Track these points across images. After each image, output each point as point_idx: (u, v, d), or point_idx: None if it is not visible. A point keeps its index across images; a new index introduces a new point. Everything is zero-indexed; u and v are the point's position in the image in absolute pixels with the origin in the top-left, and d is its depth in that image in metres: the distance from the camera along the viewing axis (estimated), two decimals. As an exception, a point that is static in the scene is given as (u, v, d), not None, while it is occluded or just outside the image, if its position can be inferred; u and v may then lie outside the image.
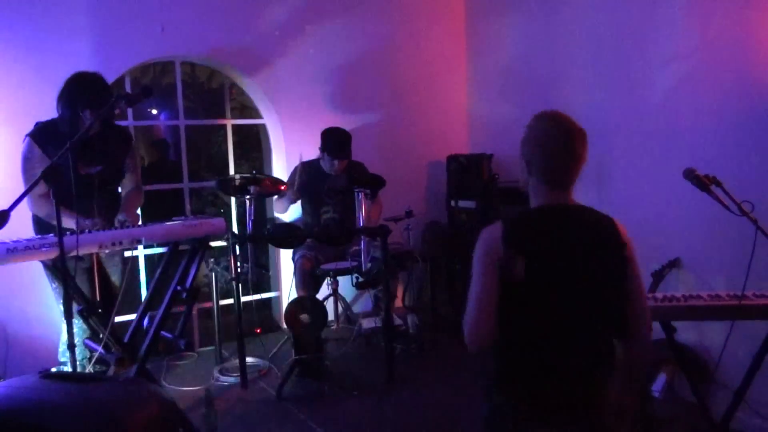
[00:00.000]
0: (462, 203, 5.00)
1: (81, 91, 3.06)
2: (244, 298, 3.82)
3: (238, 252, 3.67)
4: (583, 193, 4.35)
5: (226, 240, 3.63)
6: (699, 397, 2.75)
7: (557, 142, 1.84)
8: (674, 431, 3.26)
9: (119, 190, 3.42)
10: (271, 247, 4.84)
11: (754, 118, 3.32)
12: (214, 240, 3.34)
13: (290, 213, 4.56)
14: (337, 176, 4.36)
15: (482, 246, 1.78)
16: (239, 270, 3.64)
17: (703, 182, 2.49)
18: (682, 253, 3.69)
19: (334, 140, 4.27)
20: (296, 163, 4.38)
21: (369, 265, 3.83)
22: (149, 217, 4.08)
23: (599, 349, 1.84)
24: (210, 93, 6.45)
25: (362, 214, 3.82)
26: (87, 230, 2.77)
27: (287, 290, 4.59)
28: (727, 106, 3.44)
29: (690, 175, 2.54)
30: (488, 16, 5.24)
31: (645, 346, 1.93)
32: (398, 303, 4.57)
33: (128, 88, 4.25)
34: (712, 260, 3.51)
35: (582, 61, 4.37)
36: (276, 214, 4.57)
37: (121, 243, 2.81)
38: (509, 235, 1.75)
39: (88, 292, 3.04)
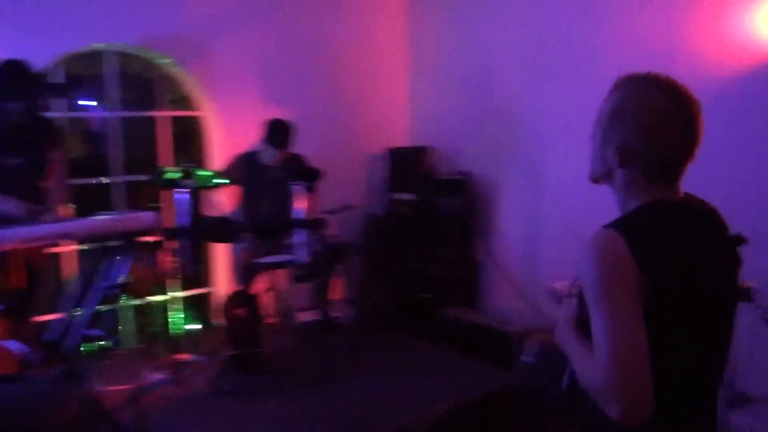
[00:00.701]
0: (401, 196, 5.04)
1: (4, 80, 2.95)
2: (177, 294, 3.77)
3: (172, 247, 3.61)
4: (519, 186, 4.50)
5: (159, 235, 3.56)
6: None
7: (682, 122, 1.30)
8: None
9: (45, 184, 3.31)
10: (206, 242, 4.77)
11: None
12: (145, 235, 3.27)
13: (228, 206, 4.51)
14: (274, 168, 4.32)
15: (607, 265, 1.21)
16: (174, 265, 3.58)
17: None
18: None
19: (277, 130, 4.24)
20: (234, 153, 4.34)
21: (307, 258, 3.82)
22: (83, 212, 3.96)
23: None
24: (146, 84, 6.30)
25: (299, 206, 3.81)
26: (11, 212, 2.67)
27: (223, 285, 4.55)
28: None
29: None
30: (429, 8, 5.29)
31: None
32: (336, 296, 4.58)
33: (59, 79, 4.10)
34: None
35: (520, 55, 4.46)
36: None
37: (47, 238, 2.73)
38: (639, 249, 1.21)
39: (10, 290, 2.94)
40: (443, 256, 4.75)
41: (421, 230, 4.92)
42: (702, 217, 1.37)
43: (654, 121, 1.29)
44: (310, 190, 4.20)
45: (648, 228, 1.27)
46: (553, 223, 4.29)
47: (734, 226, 3.05)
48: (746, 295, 2.47)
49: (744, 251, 3.05)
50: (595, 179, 1.46)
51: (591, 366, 1.20)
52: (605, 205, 3.86)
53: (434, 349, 4.08)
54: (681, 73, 3.52)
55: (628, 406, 1.13)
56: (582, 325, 1.30)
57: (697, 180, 3.39)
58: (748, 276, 2.62)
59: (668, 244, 1.25)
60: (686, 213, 1.34)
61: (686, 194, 1.38)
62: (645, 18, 3.61)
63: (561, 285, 2.84)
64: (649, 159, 1.30)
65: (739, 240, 1.42)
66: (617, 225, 1.27)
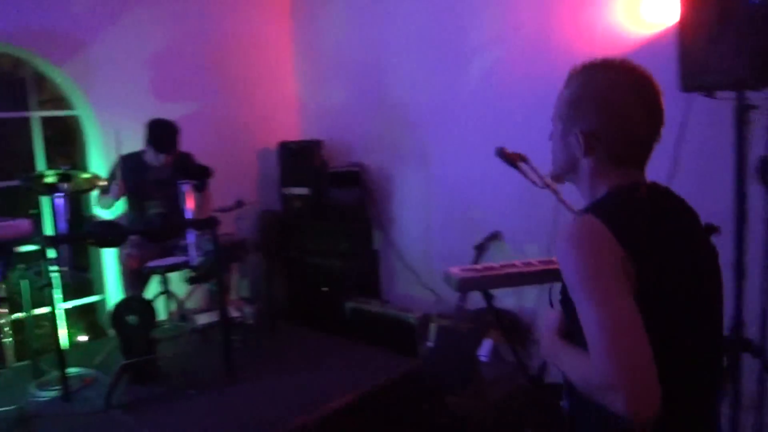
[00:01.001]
0: (295, 190, 4.99)
1: None
2: (64, 305, 3.53)
3: (51, 255, 3.37)
4: (411, 174, 4.57)
5: (36, 243, 3.32)
6: (517, 357, 2.96)
7: (645, 101, 1.29)
8: (501, 390, 3.51)
9: None
10: (92, 248, 4.51)
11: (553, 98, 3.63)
12: (20, 244, 3.04)
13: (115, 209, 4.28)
14: (161, 168, 4.15)
15: (592, 251, 1.15)
16: (53, 275, 3.34)
17: (510, 159, 2.68)
18: (501, 226, 3.96)
19: (160, 133, 4.04)
20: (116, 156, 4.11)
21: (200, 259, 3.70)
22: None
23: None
24: (13, 84, 5.87)
25: (188, 206, 3.67)
26: None
27: (113, 292, 4.33)
28: (534, 87, 3.73)
29: (500, 153, 2.71)
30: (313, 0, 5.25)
31: None
32: (235, 295, 4.47)
33: None
34: (527, 231, 3.80)
35: (406, 47, 4.52)
36: (101, 210, 4.26)
37: None
38: (621, 230, 1.16)
39: None
40: (342, 249, 4.75)
41: (318, 224, 4.89)
42: (675, 202, 1.34)
43: (617, 102, 1.27)
44: (200, 188, 4.08)
45: (625, 210, 1.22)
46: (444, 211, 4.40)
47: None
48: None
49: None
50: (558, 176, 1.42)
51: (587, 365, 1.09)
52: (491, 192, 4.02)
53: (338, 342, 4.07)
54: (556, 65, 3.70)
55: (635, 396, 1.03)
56: (569, 333, 1.26)
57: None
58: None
59: (649, 225, 1.21)
60: (660, 196, 1.31)
61: (652, 181, 1.34)
62: (521, 10, 3.75)
63: (455, 270, 2.91)
64: (615, 141, 1.28)
65: (711, 229, 1.39)
66: (592, 210, 1.22)
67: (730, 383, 2.62)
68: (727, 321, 2.67)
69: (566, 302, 1.21)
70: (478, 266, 2.85)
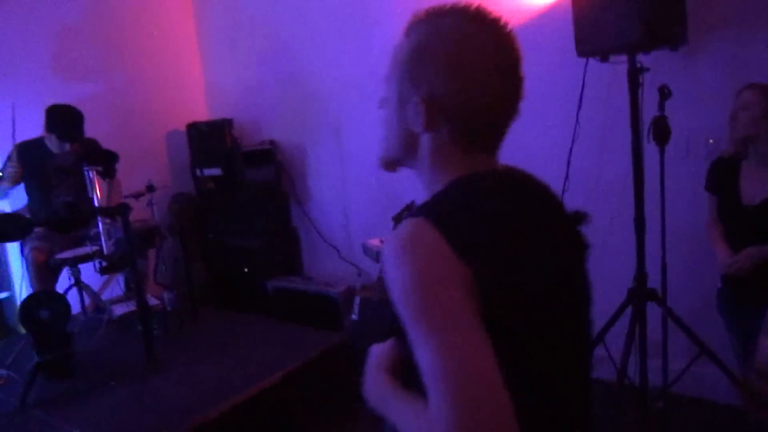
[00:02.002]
0: (207, 171, 4.89)
1: None
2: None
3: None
4: (325, 149, 4.56)
5: (-70, 242, 3.12)
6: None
7: (504, 64, 1.02)
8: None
9: None
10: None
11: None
12: None
13: (14, 200, 4.06)
14: (64, 155, 3.95)
15: (423, 269, 0.85)
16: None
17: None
18: (416, 196, 4.03)
19: (60, 120, 3.83)
20: (8, 144, 3.90)
21: (112, 247, 3.58)
22: None
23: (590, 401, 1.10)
24: None
25: (96, 193, 3.54)
26: None
27: (21, 288, 4.13)
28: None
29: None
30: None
31: None
32: (152, 282, 4.36)
33: None
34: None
35: (314, 21, 4.47)
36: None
37: None
38: (461, 239, 0.87)
39: None
40: (259, 228, 4.70)
41: (233, 204, 4.82)
42: (536, 194, 1.07)
43: (470, 59, 0.97)
44: (108, 175, 3.92)
45: (467, 208, 0.92)
46: (360, 184, 4.43)
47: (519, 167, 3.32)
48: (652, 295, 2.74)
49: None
50: (390, 161, 1.11)
51: (425, 420, 0.80)
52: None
53: (262, 323, 4.06)
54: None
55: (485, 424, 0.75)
56: (407, 369, 0.92)
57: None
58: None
59: (498, 230, 0.91)
60: (516, 187, 1.05)
61: (507, 166, 1.08)
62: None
63: (373, 242, 2.97)
64: (464, 113, 0.98)
65: (580, 217, 1.10)
66: (426, 211, 0.92)
67: (636, 332, 2.81)
68: (631, 272, 2.87)
69: (400, 330, 0.87)
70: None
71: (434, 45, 0.99)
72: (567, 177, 3.32)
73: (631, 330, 2.81)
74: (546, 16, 3.41)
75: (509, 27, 1.02)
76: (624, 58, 2.82)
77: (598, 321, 3.15)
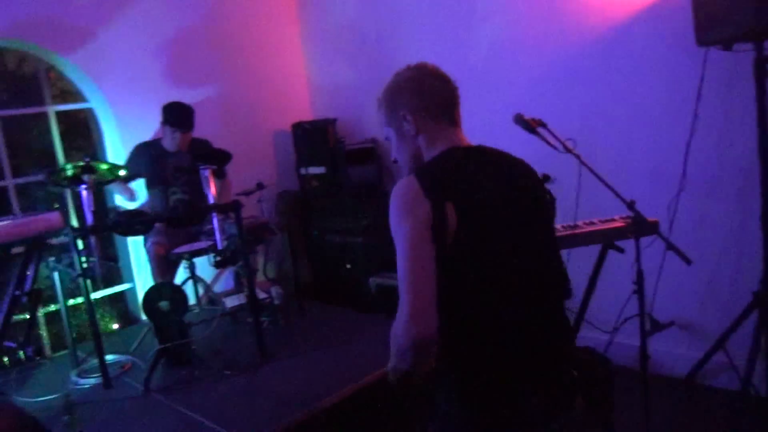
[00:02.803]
0: (311, 169, 5.01)
1: None
2: (95, 294, 3.60)
3: (81, 246, 3.43)
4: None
5: (66, 235, 3.38)
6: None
7: (443, 81, 1.68)
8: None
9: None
10: (118, 237, 4.58)
11: (569, 62, 3.62)
12: (51, 237, 3.10)
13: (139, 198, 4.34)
14: (180, 155, 4.19)
15: (401, 206, 1.42)
16: (85, 265, 3.40)
17: (529, 125, 2.69)
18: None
19: (176, 112, 4.11)
20: (133, 144, 4.16)
21: (225, 242, 3.74)
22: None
23: (561, 317, 1.58)
24: (24, 80, 5.89)
25: (211, 191, 3.71)
26: None
27: (142, 280, 4.39)
28: (548, 53, 3.71)
29: (519, 119, 2.72)
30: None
31: None
32: (260, 276, 4.52)
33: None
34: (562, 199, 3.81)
35: (414, 18, 4.49)
36: (123, 204, 4.31)
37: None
38: (430, 184, 1.42)
39: None
40: (362, 225, 4.78)
41: (337, 202, 4.92)
42: (496, 158, 1.62)
43: (422, 81, 1.63)
44: (221, 173, 4.11)
45: (436, 166, 1.53)
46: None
47: (633, 165, 3.24)
48: (653, 228, 2.65)
49: (649, 188, 3.24)
50: (412, 169, 1.63)
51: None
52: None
53: (365, 318, 4.12)
54: (570, 19, 3.66)
55: (417, 319, 1.30)
56: None
57: (595, 122, 3.54)
58: (654, 211, 2.82)
59: (453, 175, 1.48)
60: (477, 154, 1.59)
61: (482, 145, 1.63)
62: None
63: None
64: (441, 106, 1.61)
65: (545, 179, 1.73)
66: (416, 172, 1.48)
67: (762, 338, 2.65)
68: (756, 274, 2.70)
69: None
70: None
71: (401, 84, 1.66)
72: (684, 174, 3.16)
73: (756, 336, 2.65)
74: (657, 6, 3.27)
75: (438, 70, 1.68)
76: (749, 46, 2.66)
77: (717, 327, 2.99)
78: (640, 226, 2.58)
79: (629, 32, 3.38)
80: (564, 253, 2.80)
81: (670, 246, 2.58)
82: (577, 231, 2.72)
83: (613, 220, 2.79)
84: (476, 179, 1.50)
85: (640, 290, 2.62)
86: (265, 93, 5.20)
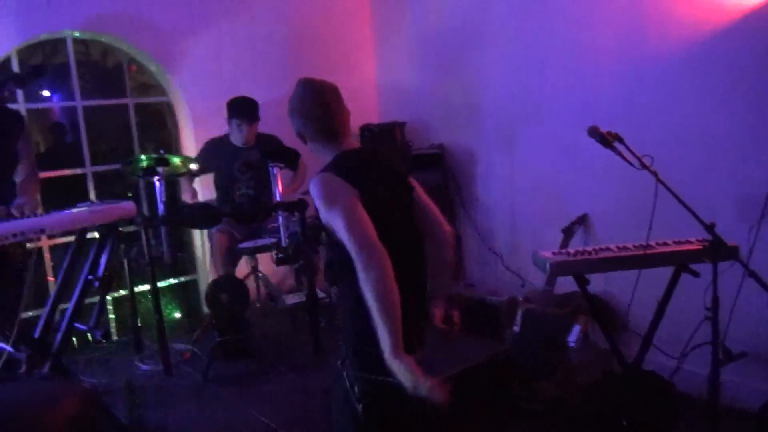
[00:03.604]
0: (378, 172, 5.00)
1: None
2: (161, 283, 3.70)
3: (151, 235, 3.54)
4: (495, 156, 4.51)
5: (137, 224, 3.49)
6: (611, 343, 2.89)
7: (333, 99, 1.99)
8: (591, 375, 3.44)
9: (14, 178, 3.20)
10: (186, 229, 4.70)
11: (651, 75, 3.49)
12: (123, 225, 3.20)
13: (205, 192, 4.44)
14: (249, 150, 4.25)
15: (330, 192, 1.78)
16: (153, 254, 3.51)
17: (606, 139, 2.60)
18: (589, 209, 3.86)
19: (240, 104, 4.18)
20: (205, 139, 4.26)
21: (288, 240, 3.78)
22: (51, 206, 3.85)
23: (423, 271, 2.00)
24: (107, 71, 6.11)
25: (278, 189, 3.76)
26: None
27: (206, 272, 4.48)
28: (626, 65, 3.59)
29: (594, 132, 2.64)
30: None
31: (448, 241, 2.11)
32: (320, 276, 4.55)
33: (15, 69, 3.96)
34: (618, 214, 3.69)
35: (489, 27, 4.43)
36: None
37: (23, 234, 2.64)
38: (346, 177, 1.80)
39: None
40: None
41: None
42: (379, 158, 2.01)
43: (304, 104, 1.96)
44: (290, 170, 4.15)
45: (345, 165, 1.86)
46: (530, 193, 4.31)
47: (714, 186, 3.07)
48: (732, 253, 2.53)
49: (730, 211, 3.07)
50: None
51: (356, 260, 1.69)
52: (579, 173, 3.87)
53: (421, 324, 4.09)
54: (653, 31, 3.53)
55: (372, 255, 1.67)
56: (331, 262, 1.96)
57: (676, 139, 3.40)
58: (734, 236, 2.68)
59: (360, 171, 1.85)
60: (365, 153, 1.98)
61: (365, 146, 2.05)
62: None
63: (545, 253, 2.87)
64: (313, 127, 1.94)
65: (407, 172, 2.08)
66: (327, 169, 1.86)
67: None
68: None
69: (328, 236, 1.85)
70: (570, 250, 2.80)
71: (292, 105, 1.99)
72: (768, 198, 3.00)
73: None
74: (748, 22, 3.11)
75: (324, 83, 2.04)
76: None
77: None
78: (718, 250, 2.46)
79: (717, 48, 3.24)
80: (634, 273, 2.72)
81: (750, 273, 2.45)
82: (650, 251, 2.62)
83: (688, 242, 2.67)
84: (369, 174, 1.88)
85: (714, 317, 2.49)
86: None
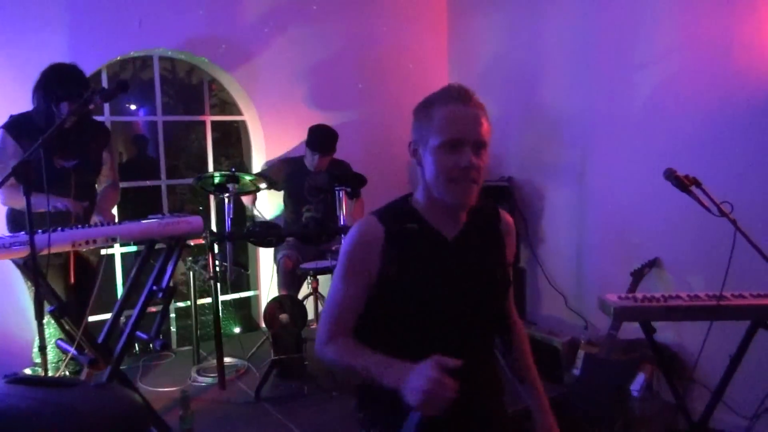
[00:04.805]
0: (444, 202, 4.97)
1: (57, 82, 3.01)
2: (222, 297, 3.77)
3: (216, 251, 3.62)
4: (565, 191, 4.40)
5: (204, 238, 3.57)
6: (678, 396, 2.75)
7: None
8: (653, 429, 3.28)
9: (96, 186, 3.37)
10: (250, 246, 4.79)
11: (734, 118, 3.34)
12: (191, 238, 3.28)
13: (272, 211, 4.52)
14: (318, 174, 4.32)
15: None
16: (217, 269, 3.58)
17: (683, 183, 2.49)
18: (661, 253, 3.70)
19: (318, 136, 4.26)
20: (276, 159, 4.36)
21: (350, 264, 3.78)
22: (126, 214, 4.01)
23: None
24: (189, 89, 6.37)
25: (343, 212, 3.79)
26: (64, 211, 2.76)
27: (266, 289, 4.55)
28: (708, 106, 3.45)
29: (670, 175, 2.54)
30: (470, 12, 5.22)
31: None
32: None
33: (105, 83, 4.18)
34: (691, 260, 3.53)
35: (564, 59, 4.37)
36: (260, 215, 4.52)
37: (95, 241, 2.75)
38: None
39: (61, 291, 2.97)
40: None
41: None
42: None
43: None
44: (355, 196, 4.19)
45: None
46: (598, 232, 4.18)
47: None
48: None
49: None
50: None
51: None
52: (652, 215, 3.74)
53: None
54: (738, 72, 3.37)
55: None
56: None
57: (756, 187, 3.21)
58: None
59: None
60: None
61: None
62: (699, 15, 3.48)
63: (611, 297, 2.76)
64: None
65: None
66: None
67: None
68: None
69: None
70: (638, 295, 2.69)
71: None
72: None
73: None
74: None
75: None
76: None
77: None
78: (799, 307, 2.31)
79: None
80: (706, 323, 2.57)
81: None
82: (722, 303, 2.48)
83: (767, 296, 2.51)
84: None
85: (792, 379, 2.34)
86: (406, 120, 5.23)
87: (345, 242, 1.64)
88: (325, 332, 1.61)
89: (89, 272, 3.29)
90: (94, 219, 3.04)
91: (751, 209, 2.85)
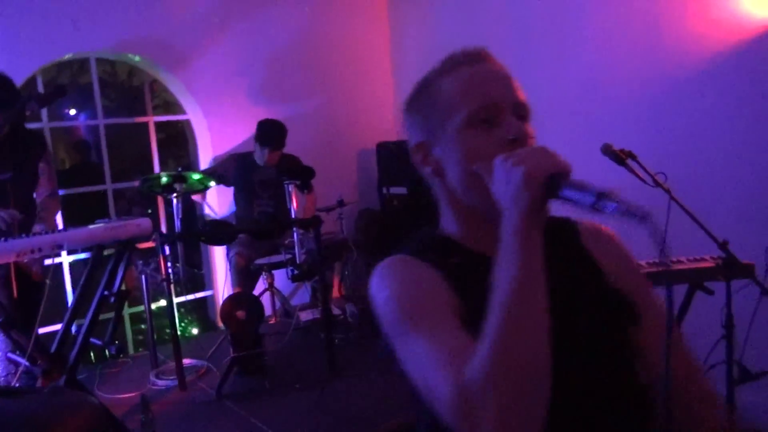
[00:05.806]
0: (393, 190, 5.03)
1: None
2: (177, 299, 3.74)
3: (167, 252, 3.58)
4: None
5: (154, 240, 3.53)
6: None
7: None
8: None
9: (35, 196, 3.28)
10: (203, 245, 4.75)
11: (665, 93, 3.48)
12: (140, 241, 3.24)
13: (224, 208, 4.49)
14: (267, 169, 4.31)
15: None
16: (170, 270, 3.55)
17: (619, 156, 2.58)
18: (603, 225, 3.83)
19: (268, 130, 4.25)
20: (223, 155, 4.33)
21: (303, 257, 3.81)
22: (73, 221, 3.93)
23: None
24: (131, 91, 6.26)
25: (294, 206, 3.80)
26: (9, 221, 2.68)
27: (221, 288, 4.52)
28: (640, 83, 3.58)
29: (607, 150, 2.62)
30: (410, 1, 5.27)
31: None
32: (335, 293, 4.57)
33: (40, 88, 4.07)
34: (631, 232, 3.65)
35: (504, 42, 4.45)
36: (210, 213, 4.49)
37: (40, 250, 2.68)
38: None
39: (6, 302, 2.90)
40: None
41: (417, 223, 4.91)
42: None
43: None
44: (305, 189, 4.20)
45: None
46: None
47: (729, 204, 3.05)
48: (747, 271, 2.49)
49: (746, 229, 3.04)
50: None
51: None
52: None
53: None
54: (668, 49, 3.52)
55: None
56: None
57: (688, 157, 3.37)
58: (750, 254, 2.65)
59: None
60: None
61: None
62: (627, 4, 3.60)
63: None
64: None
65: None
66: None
67: None
68: None
69: None
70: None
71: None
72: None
73: None
74: (762, 41, 3.09)
75: None
76: None
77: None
78: (732, 268, 2.42)
79: (732, 65, 3.22)
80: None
81: (765, 291, 2.40)
82: (664, 268, 2.59)
83: (703, 259, 2.63)
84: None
85: (729, 335, 2.46)
86: (352, 111, 5.28)
87: (380, 291, 1.04)
88: (451, 376, 0.86)
89: (32, 286, 3.20)
90: (37, 228, 2.97)
91: (685, 178, 2.98)
